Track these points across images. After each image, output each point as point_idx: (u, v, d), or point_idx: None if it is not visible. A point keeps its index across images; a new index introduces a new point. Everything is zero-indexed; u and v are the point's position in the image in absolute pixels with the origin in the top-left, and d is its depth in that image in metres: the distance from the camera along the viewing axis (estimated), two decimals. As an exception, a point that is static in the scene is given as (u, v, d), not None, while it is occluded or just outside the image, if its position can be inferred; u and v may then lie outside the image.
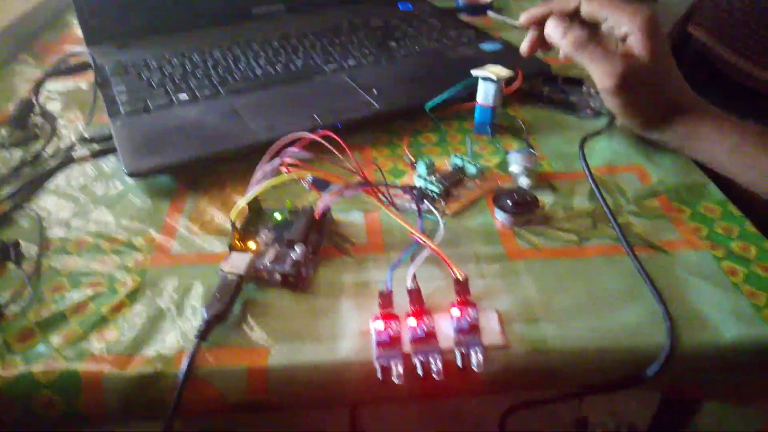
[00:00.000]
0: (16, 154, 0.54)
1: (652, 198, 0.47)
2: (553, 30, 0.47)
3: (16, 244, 0.43)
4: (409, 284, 0.37)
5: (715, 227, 0.44)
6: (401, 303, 0.36)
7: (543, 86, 0.61)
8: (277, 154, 0.41)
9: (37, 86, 0.62)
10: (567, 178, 0.49)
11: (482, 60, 0.56)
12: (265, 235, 0.43)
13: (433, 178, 0.46)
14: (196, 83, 0.59)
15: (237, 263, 0.38)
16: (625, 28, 0.45)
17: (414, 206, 0.44)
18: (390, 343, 0.34)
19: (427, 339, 0.34)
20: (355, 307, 0.38)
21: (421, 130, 0.56)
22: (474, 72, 0.52)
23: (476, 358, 0.33)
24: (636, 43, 0.44)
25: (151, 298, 0.39)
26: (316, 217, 0.42)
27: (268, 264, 0.39)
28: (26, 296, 0.39)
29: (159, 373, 0.34)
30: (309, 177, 0.46)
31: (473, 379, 0.34)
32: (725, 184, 0.48)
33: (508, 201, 0.44)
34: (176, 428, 0.33)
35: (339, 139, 0.42)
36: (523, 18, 0.51)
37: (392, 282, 0.37)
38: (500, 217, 0.44)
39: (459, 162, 0.49)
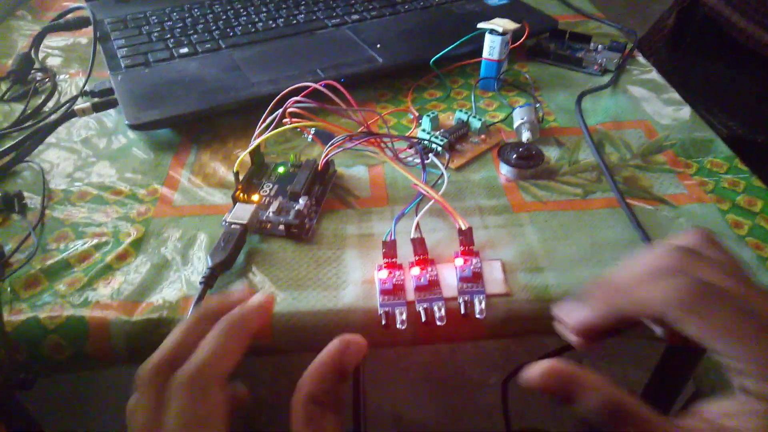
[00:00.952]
0: (17, 109, 0.53)
1: (658, 153, 0.46)
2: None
3: (20, 196, 0.43)
4: (413, 234, 0.37)
5: (722, 182, 0.43)
6: (405, 254, 0.36)
7: (550, 42, 0.60)
8: (282, 104, 0.41)
9: (37, 41, 0.61)
10: (573, 133, 0.49)
11: (488, 15, 0.55)
12: (268, 187, 0.43)
13: (438, 133, 0.46)
14: (197, 37, 0.58)
15: (240, 214, 0.38)
16: (755, 382, 0.23)
17: (418, 161, 0.44)
18: (393, 291, 0.34)
19: (430, 287, 0.34)
20: (359, 257, 0.38)
21: (425, 86, 0.56)
22: (480, 25, 0.51)
23: (479, 305, 0.34)
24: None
25: (156, 248, 0.39)
26: (320, 168, 0.42)
27: (271, 215, 0.39)
28: (31, 246, 0.39)
29: (165, 318, 0.34)
30: (312, 130, 0.45)
31: (476, 326, 0.34)
32: (732, 140, 0.47)
33: (513, 154, 0.44)
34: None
35: (344, 90, 0.41)
36: (575, 323, 0.29)
37: (396, 234, 0.37)
38: (505, 170, 0.44)
39: (464, 117, 0.48)
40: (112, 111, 0.52)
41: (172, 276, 0.37)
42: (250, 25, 0.61)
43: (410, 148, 0.45)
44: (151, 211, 0.42)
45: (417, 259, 0.36)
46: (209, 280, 0.35)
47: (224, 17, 0.62)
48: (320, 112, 0.41)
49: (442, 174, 0.40)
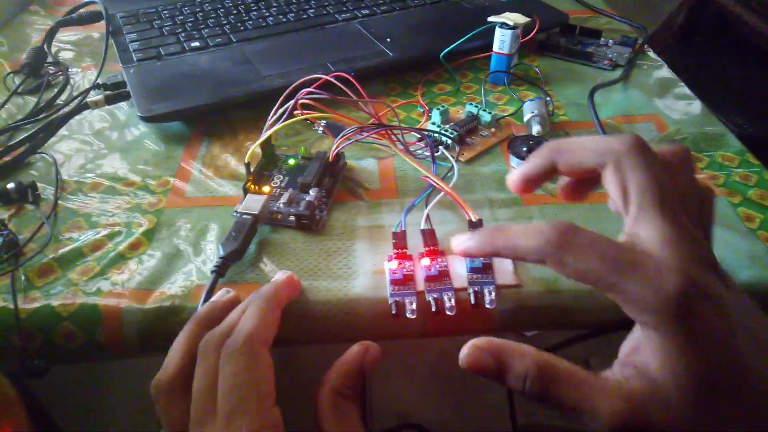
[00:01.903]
0: (31, 101, 0.54)
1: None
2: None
3: (34, 186, 0.43)
4: (423, 225, 0.37)
5: (733, 176, 0.43)
6: (415, 245, 0.36)
7: (560, 37, 0.60)
8: (293, 96, 0.41)
9: (49, 35, 0.61)
10: (583, 127, 0.49)
11: (498, 10, 0.54)
12: (279, 179, 0.43)
13: (448, 127, 0.46)
14: (208, 31, 0.59)
15: (252, 205, 0.39)
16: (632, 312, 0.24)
17: (428, 153, 0.44)
18: (404, 281, 0.34)
19: (440, 277, 0.34)
20: (369, 248, 0.38)
21: (435, 80, 0.56)
22: (491, 18, 0.52)
23: (489, 296, 0.34)
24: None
25: (168, 238, 0.39)
26: (330, 160, 0.42)
27: (282, 206, 0.39)
28: (44, 235, 0.39)
29: (177, 306, 0.34)
30: (323, 122, 0.46)
31: (486, 317, 0.34)
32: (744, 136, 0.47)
33: (524, 147, 0.44)
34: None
35: (355, 82, 0.41)
36: (514, 183, 0.31)
37: (406, 225, 0.37)
38: (515, 163, 0.44)
39: (474, 110, 0.48)
40: (124, 104, 0.52)
41: (184, 265, 0.37)
42: (260, 20, 0.61)
43: (420, 140, 0.45)
44: (162, 202, 0.42)
45: (427, 250, 0.36)
46: (221, 270, 0.35)
47: (235, 12, 0.63)
48: (331, 104, 0.41)
49: (452, 166, 0.40)
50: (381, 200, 0.42)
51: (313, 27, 0.60)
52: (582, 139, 0.28)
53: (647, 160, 0.25)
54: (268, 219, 0.40)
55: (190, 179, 0.44)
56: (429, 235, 0.36)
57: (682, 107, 0.51)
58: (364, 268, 0.36)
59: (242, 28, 0.59)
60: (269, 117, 0.41)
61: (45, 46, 0.60)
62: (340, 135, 0.41)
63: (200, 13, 0.62)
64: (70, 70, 0.59)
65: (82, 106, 0.49)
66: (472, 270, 0.35)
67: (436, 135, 0.45)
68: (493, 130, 0.48)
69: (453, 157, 0.42)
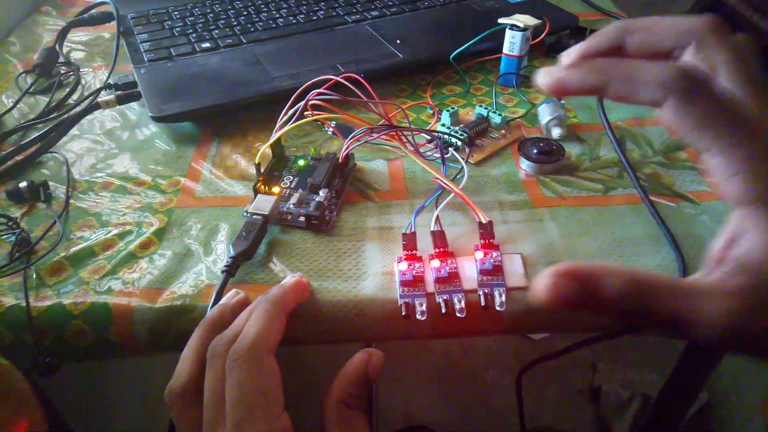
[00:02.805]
0: (42, 101, 0.54)
1: (679, 150, 0.46)
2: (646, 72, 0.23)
3: (46, 185, 0.43)
4: (433, 226, 0.37)
5: (745, 179, 0.43)
6: (425, 247, 0.36)
7: (570, 39, 0.60)
8: (303, 97, 0.41)
9: (61, 36, 0.62)
10: (594, 129, 0.48)
11: (508, 12, 0.54)
12: (288, 180, 0.43)
13: (457, 128, 0.46)
14: (218, 32, 0.59)
15: (262, 205, 0.39)
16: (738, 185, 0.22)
17: (437, 155, 0.44)
18: (414, 282, 0.34)
19: (450, 279, 0.34)
20: (379, 249, 0.38)
21: (445, 81, 0.56)
22: (501, 20, 0.51)
23: (499, 298, 0.34)
24: None
25: (179, 237, 0.39)
26: (340, 161, 0.42)
27: (292, 207, 0.40)
28: (56, 234, 0.39)
29: (187, 306, 0.34)
30: (333, 123, 0.46)
31: (496, 319, 0.34)
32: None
33: (534, 149, 0.44)
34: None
35: (365, 83, 0.41)
36: (571, 57, 0.27)
37: (416, 227, 0.37)
38: (525, 165, 0.44)
39: (483, 112, 0.48)
40: (135, 104, 0.52)
41: (195, 265, 0.37)
42: (270, 21, 0.61)
43: (430, 142, 0.45)
44: (173, 201, 0.42)
45: (437, 251, 0.36)
46: (231, 269, 0.35)
47: (245, 13, 0.63)
48: (341, 105, 0.41)
49: (462, 168, 0.40)
50: (391, 201, 0.42)
51: (323, 28, 0.60)
52: (655, 18, 0.25)
53: (731, 40, 0.24)
54: (278, 219, 0.40)
55: (200, 179, 0.44)
56: (439, 237, 0.36)
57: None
58: (373, 269, 0.36)
59: (252, 29, 0.60)
60: (279, 118, 0.41)
61: (57, 47, 0.61)
62: (350, 136, 0.41)
63: (211, 14, 0.63)
64: (81, 70, 0.59)
65: (94, 106, 0.49)
66: (483, 272, 0.35)
67: (445, 136, 0.45)
68: (503, 131, 0.48)
69: (463, 159, 0.42)
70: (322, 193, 0.40)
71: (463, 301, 0.33)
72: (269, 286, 0.34)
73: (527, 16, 0.52)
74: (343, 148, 0.41)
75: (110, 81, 0.54)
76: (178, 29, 0.60)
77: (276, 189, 0.42)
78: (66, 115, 0.51)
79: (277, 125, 0.41)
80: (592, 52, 0.26)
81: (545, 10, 0.63)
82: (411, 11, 0.63)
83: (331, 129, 0.47)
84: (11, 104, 0.54)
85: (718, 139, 0.22)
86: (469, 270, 0.35)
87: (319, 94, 0.39)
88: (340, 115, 0.41)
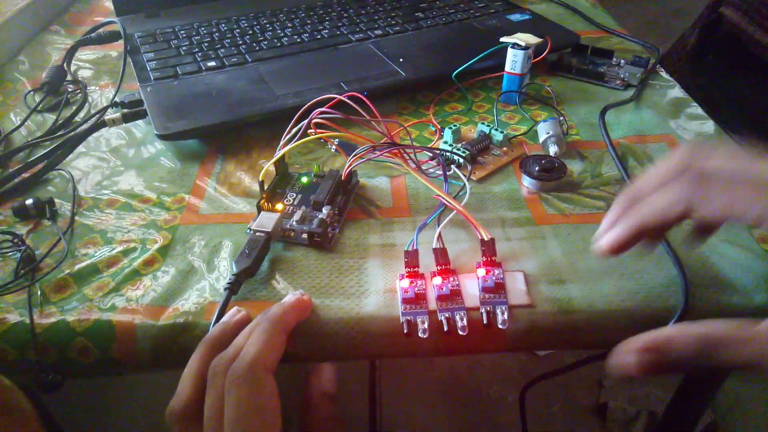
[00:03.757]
0: (50, 119, 0.55)
1: (682, 167, 0.46)
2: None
3: (51, 202, 0.44)
4: (435, 243, 0.37)
5: (747, 196, 0.43)
6: (427, 264, 0.37)
7: (572, 57, 0.60)
8: (306, 116, 0.41)
9: (69, 54, 0.63)
10: (596, 146, 0.49)
11: (510, 31, 0.55)
12: (292, 197, 0.43)
13: (460, 146, 0.46)
14: (224, 51, 0.60)
15: (265, 222, 0.39)
16: None
17: (440, 172, 0.44)
18: (416, 299, 0.34)
19: (452, 296, 0.34)
20: (381, 266, 0.38)
21: (447, 99, 0.56)
22: (503, 39, 0.52)
23: (501, 316, 0.34)
24: None
25: (182, 255, 0.39)
26: (343, 178, 0.42)
27: (295, 224, 0.40)
28: (61, 251, 0.40)
29: (190, 323, 0.34)
30: (336, 140, 0.46)
31: (498, 337, 0.34)
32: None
33: (536, 167, 0.44)
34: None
35: (367, 101, 0.42)
36: (607, 244, 0.32)
37: (418, 244, 0.37)
38: (527, 182, 0.44)
39: (486, 129, 0.48)
40: (141, 122, 0.53)
41: (198, 282, 0.37)
42: (275, 40, 0.62)
43: (432, 159, 0.45)
44: (177, 218, 0.43)
45: (439, 269, 0.36)
46: (234, 286, 0.35)
47: (250, 32, 0.64)
48: (344, 123, 0.42)
49: (465, 185, 0.41)
50: (393, 218, 0.42)
51: (326, 47, 0.61)
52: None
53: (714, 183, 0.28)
54: (281, 236, 0.40)
55: (204, 196, 0.45)
56: (441, 254, 0.36)
57: (695, 127, 0.51)
58: (376, 287, 0.36)
59: (257, 48, 0.60)
60: (283, 135, 0.42)
61: (65, 65, 0.62)
62: (353, 153, 0.41)
63: (216, 34, 0.64)
64: (88, 88, 0.60)
65: (100, 124, 0.50)
66: (485, 289, 0.35)
67: (448, 154, 0.46)
68: (505, 149, 0.48)
69: (465, 176, 0.42)
70: (324, 210, 0.40)
71: (465, 319, 0.33)
72: (272, 304, 0.34)
73: (529, 35, 0.52)
74: (346, 166, 0.42)
75: (117, 99, 0.54)
76: (184, 48, 0.61)
77: (279, 206, 0.42)
78: (73, 133, 0.51)
79: (281, 143, 0.42)
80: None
81: (547, 28, 0.64)
82: (414, 30, 0.64)
83: (334, 147, 0.48)
84: (19, 122, 0.54)
85: (751, 209, 0.26)
86: (471, 287, 0.35)
87: (323, 112, 0.40)
88: (343, 133, 0.41)
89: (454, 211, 0.39)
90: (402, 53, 0.59)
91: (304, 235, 0.39)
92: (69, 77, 0.61)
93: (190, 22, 0.66)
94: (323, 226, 0.39)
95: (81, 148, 0.50)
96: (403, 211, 0.43)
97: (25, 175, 0.47)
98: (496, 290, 0.35)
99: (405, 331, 0.33)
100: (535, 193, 0.44)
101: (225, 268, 0.38)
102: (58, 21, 0.76)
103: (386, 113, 0.54)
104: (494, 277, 0.35)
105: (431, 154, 0.46)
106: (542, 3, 0.76)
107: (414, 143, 0.49)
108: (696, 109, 0.53)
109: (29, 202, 0.43)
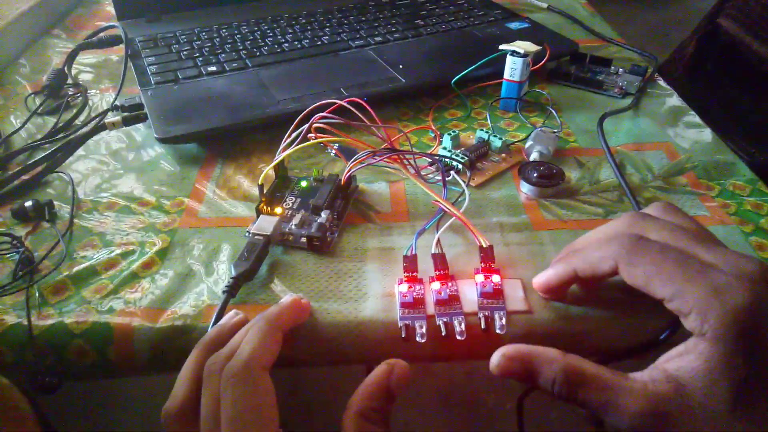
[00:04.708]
0: (50, 122, 0.55)
1: (679, 175, 0.46)
2: None
3: (51, 205, 0.44)
4: (434, 249, 0.37)
5: (744, 204, 0.43)
6: (426, 269, 0.37)
7: (570, 65, 0.61)
8: (306, 121, 0.41)
9: (70, 58, 0.63)
10: (594, 154, 0.49)
11: (509, 38, 0.55)
12: (291, 201, 0.43)
13: (458, 152, 0.47)
14: (224, 56, 0.60)
15: (264, 225, 0.39)
16: (694, 321, 0.26)
17: (439, 178, 0.45)
18: (414, 304, 0.34)
19: (450, 302, 0.35)
20: (380, 270, 0.38)
21: (446, 106, 0.56)
22: (502, 46, 0.52)
23: (499, 321, 0.34)
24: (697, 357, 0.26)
25: (181, 258, 0.39)
26: (342, 183, 0.42)
27: (294, 228, 0.40)
28: (60, 253, 0.40)
29: (188, 326, 0.34)
30: (336, 145, 0.46)
31: (496, 342, 0.34)
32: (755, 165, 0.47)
33: (534, 173, 0.44)
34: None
35: (367, 107, 0.42)
36: (539, 283, 0.35)
37: (417, 249, 0.37)
38: (525, 188, 0.44)
39: (484, 136, 0.49)
40: (141, 125, 0.53)
41: (196, 285, 0.37)
42: (276, 45, 0.62)
43: (431, 165, 0.46)
44: (176, 222, 0.43)
45: (437, 274, 0.36)
46: (232, 290, 0.35)
47: (251, 38, 0.64)
48: (344, 128, 0.42)
49: (463, 191, 0.41)
50: (392, 223, 0.42)
51: (327, 53, 0.61)
52: (585, 251, 0.32)
53: (646, 247, 0.29)
54: (279, 240, 0.40)
55: (203, 200, 0.45)
56: (439, 260, 0.36)
57: (693, 135, 0.51)
58: (374, 291, 0.36)
59: (258, 53, 0.61)
60: (283, 140, 0.42)
61: (65, 69, 0.62)
62: (353, 158, 0.41)
63: (217, 39, 0.64)
64: (89, 91, 0.60)
65: (100, 127, 0.50)
66: (483, 295, 0.35)
67: (447, 160, 0.46)
68: (503, 155, 0.48)
69: (464, 182, 0.42)
70: (324, 214, 0.41)
71: (463, 324, 0.33)
72: (270, 306, 0.34)
73: (528, 43, 0.53)
74: (346, 170, 0.42)
75: (117, 102, 0.55)
76: (185, 53, 0.61)
77: (278, 210, 0.42)
78: (73, 136, 0.52)
79: (281, 147, 0.42)
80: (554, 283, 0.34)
81: (545, 36, 0.64)
82: (414, 37, 0.64)
83: (333, 151, 0.48)
84: (19, 124, 0.54)
85: (665, 286, 0.27)
86: (469, 293, 0.35)
87: (323, 117, 0.40)
88: (343, 138, 0.41)
89: (453, 217, 0.39)
90: (402, 60, 0.59)
91: (303, 239, 0.39)
92: (70, 80, 0.62)
93: (191, 27, 0.66)
94: (322, 230, 0.39)
95: (81, 151, 0.51)
96: (402, 216, 0.43)
97: (25, 177, 0.47)
98: (494, 296, 0.35)
99: (403, 336, 0.33)
100: (533, 200, 0.44)
101: (223, 272, 0.38)
102: (59, 25, 0.77)
103: (386, 119, 0.54)
104: (492, 283, 0.35)
105: (430, 160, 0.46)
106: (541, 12, 0.77)
107: (413, 149, 0.49)
108: (693, 117, 0.54)
109: (28, 204, 0.43)
